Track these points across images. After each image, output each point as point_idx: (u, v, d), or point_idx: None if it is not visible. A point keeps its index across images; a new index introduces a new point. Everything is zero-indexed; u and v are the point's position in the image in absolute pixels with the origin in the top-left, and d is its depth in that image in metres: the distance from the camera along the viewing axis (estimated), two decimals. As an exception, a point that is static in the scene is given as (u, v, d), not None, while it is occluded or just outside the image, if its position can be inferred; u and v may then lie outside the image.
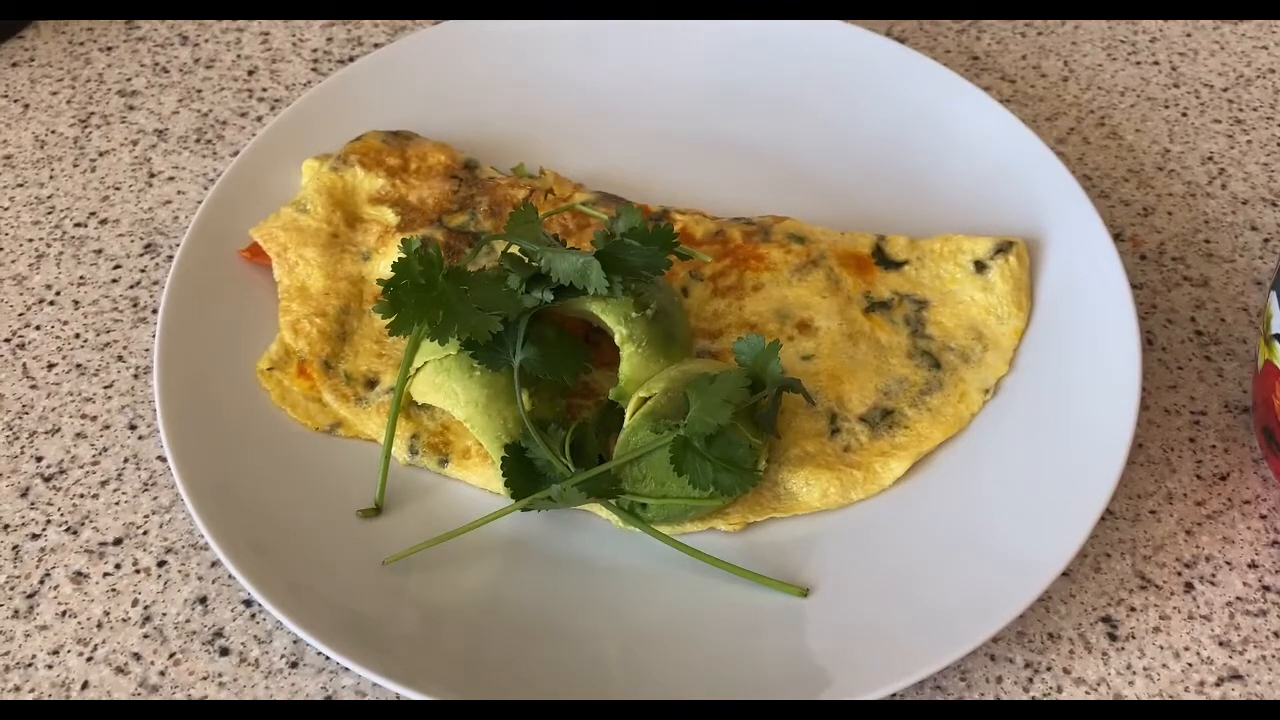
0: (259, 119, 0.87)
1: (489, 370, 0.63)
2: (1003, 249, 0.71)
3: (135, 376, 0.72)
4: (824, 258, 0.72)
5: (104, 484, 0.68)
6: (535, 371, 0.63)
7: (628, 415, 0.63)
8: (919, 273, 0.72)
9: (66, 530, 0.66)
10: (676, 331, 0.66)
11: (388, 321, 0.61)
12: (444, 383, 0.64)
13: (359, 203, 0.75)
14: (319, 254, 0.72)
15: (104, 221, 0.80)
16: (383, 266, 0.71)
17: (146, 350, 0.73)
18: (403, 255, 0.61)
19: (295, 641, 0.62)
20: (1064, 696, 0.60)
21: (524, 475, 0.62)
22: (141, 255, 0.78)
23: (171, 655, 0.61)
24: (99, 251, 0.79)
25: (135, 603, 0.63)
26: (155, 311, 0.75)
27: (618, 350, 0.64)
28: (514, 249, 0.65)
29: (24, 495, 0.67)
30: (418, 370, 0.65)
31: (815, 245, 0.73)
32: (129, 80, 0.89)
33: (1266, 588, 0.64)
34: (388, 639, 0.59)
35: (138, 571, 0.64)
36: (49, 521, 0.66)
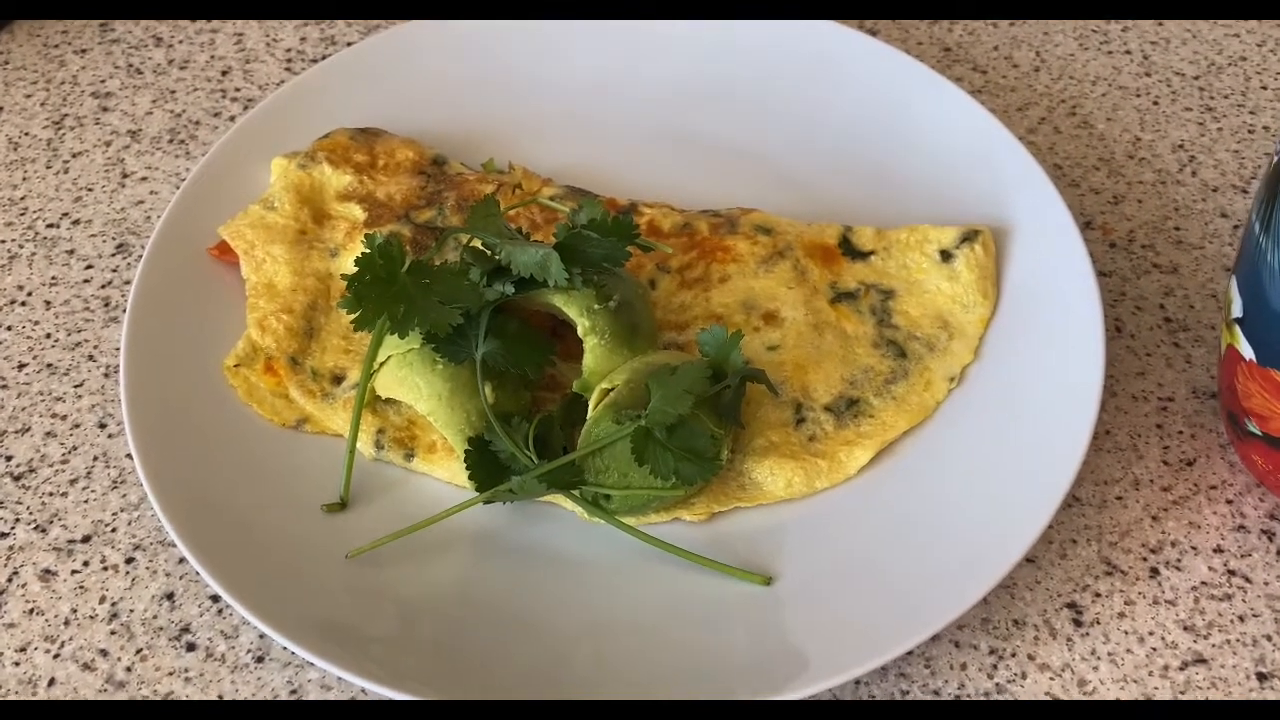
0: (232, 119, 0.87)
1: (451, 364, 0.63)
2: (968, 238, 0.71)
3: (105, 375, 0.73)
4: (790, 249, 0.72)
5: (73, 482, 0.68)
6: (497, 364, 0.63)
7: (591, 407, 0.63)
8: (885, 263, 0.72)
9: (35, 528, 0.66)
10: (640, 323, 0.66)
11: (352, 317, 0.61)
12: (407, 377, 0.64)
13: (327, 199, 0.75)
14: (286, 251, 0.72)
15: (76, 222, 0.81)
16: (350, 263, 0.71)
17: (117, 349, 0.73)
18: (366, 250, 0.61)
19: (261, 636, 0.62)
20: (1028, 683, 0.60)
21: (488, 468, 0.62)
22: (114, 255, 0.79)
23: (139, 651, 0.61)
24: (71, 252, 0.79)
25: (103, 599, 0.63)
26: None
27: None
28: (476, 243, 0.65)
29: (-7, 494, 0.68)
30: (381, 365, 0.65)
31: (782, 236, 0.73)
32: (103, 82, 0.90)
33: (1232, 572, 0.64)
34: (353, 633, 0.59)
35: (106, 568, 0.64)
36: (18, 520, 0.66)
